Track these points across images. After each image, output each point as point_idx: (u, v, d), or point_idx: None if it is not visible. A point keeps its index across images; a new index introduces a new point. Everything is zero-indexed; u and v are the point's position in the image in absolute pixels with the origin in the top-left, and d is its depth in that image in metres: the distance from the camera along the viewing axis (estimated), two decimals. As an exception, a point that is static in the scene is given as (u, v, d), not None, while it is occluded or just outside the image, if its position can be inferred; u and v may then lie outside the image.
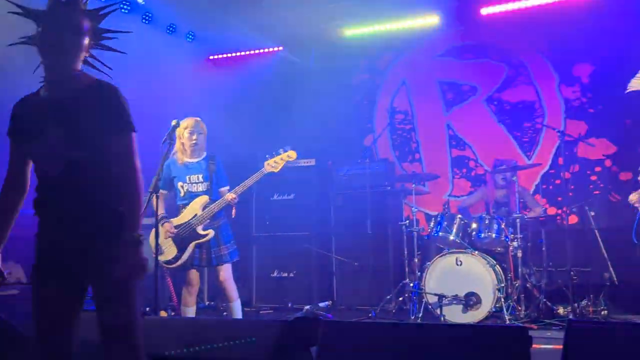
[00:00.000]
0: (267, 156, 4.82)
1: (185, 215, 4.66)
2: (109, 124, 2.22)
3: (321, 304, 6.50)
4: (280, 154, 4.78)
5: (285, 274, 6.78)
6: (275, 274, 6.78)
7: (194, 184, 4.71)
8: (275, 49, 8.07)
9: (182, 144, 4.72)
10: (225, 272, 4.69)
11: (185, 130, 4.69)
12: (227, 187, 4.77)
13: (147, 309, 4.37)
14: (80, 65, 2.31)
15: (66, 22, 2.23)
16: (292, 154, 4.80)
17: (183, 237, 4.61)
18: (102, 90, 2.25)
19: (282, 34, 7.70)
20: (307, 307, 6.34)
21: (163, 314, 5.46)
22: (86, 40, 2.29)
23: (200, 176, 4.71)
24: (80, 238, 2.19)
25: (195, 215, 4.61)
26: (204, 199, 4.65)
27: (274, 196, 6.93)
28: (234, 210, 4.78)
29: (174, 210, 4.79)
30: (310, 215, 6.83)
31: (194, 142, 4.69)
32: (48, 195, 2.25)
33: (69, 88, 2.25)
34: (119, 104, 2.25)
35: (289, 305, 6.58)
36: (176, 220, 4.66)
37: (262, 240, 6.93)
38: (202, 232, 4.62)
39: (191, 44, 7.50)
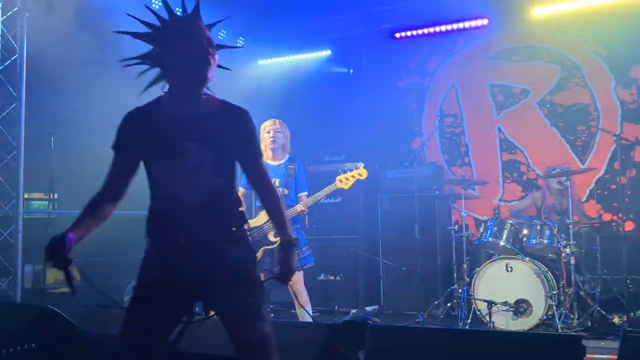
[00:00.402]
0: (339, 171, 4.85)
1: (259, 219, 4.71)
2: (248, 149, 2.26)
3: (368, 308, 6.48)
4: (351, 170, 4.79)
5: (332, 277, 6.78)
6: (322, 277, 6.79)
7: None
8: (324, 52, 8.12)
9: (265, 145, 4.79)
10: (294, 277, 4.66)
11: (263, 131, 4.79)
12: (305, 193, 4.80)
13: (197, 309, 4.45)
14: None
15: (204, 37, 2.18)
16: (363, 172, 4.80)
17: (255, 240, 4.63)
18: (238, 113, 2.24)
19: (331, 37, 7.74)
20: (354, 310, 6.33)
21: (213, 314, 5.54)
22: None
23: (278, 181, 4.74)
24: (210, 261, 2.14)
25: (268, 220, 4.65)
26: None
27: (321, 199, 6.94)
28: (306, 219, 4.83)
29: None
30: (357, 219, 6.82)
31: (271, 140, 4.76)
32: (179, 217, 2.16)
33: (204, 107, 2.20)
34: (254, 129, 2.27)
35: (336, 308, 6.58)
36: (252, 222, 4.69)
37: (309, 243, 6.94)
38: (272, 239, 4.64)
39: (241, 48, 7.61)
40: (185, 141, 2.12)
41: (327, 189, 4.74)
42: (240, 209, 2.29)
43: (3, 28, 5.76)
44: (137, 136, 2.19)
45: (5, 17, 5.66)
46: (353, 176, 4.77)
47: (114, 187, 2.25)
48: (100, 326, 3.44)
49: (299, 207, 4.65)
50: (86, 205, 2.21)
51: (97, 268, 6.67)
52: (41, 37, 5.62)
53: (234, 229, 2.21)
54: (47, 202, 6.07)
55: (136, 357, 2.09)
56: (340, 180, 4.77)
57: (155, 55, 2.18)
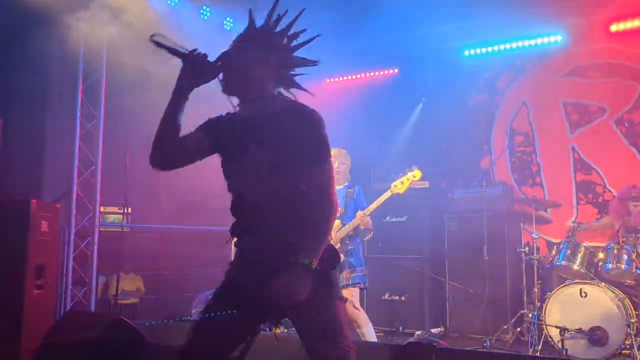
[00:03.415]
0: (393, 177, 4.83)
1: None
2: (311, 153, 2.10)
3: (433, 330, 6.35)
4: (405, 174, 4.76)
5: (397, 297, 6.69)
6: (387, 297, 6.72)
7: None
8: (391, 71, 8.11)
9: None
10: (348, 297, 4.65)
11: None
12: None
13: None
14: (273, 86, 2.26)
15: (229, 54, 2.22)
16: (417, 174, 4.77)
17: None
18: (302, 113, 2.13)
19: (399, 56, 7.72)
20: (419, 332, 6.22)
21: (277, 330, 5.58)
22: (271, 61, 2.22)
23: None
24: (277, 269, 1.98)
25: (337, 231, 4.68)
26: (336, 222, 4.68)
27: (386, 218, 6.90)
28: (368, 236, 4.82)
29: None
30: (423, 239, 6.72)
31: (335, 170, 4.80)
32: (246, 221, 2.14)
33: (268, 109, 2.18)
34: (321, 132, 2.13)
35: (400, 329, 6.48)
36: None
37: (374, 262, 6.88)
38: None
39: (308, 67, 7.71)
40: (247, 143, 2.12)
41: (383, 197, 4.70)
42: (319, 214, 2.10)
43: (85, 49, 6.08)
44: (216, 134, 2.24)
45: (87, 39, 5.98)
46: (408, 179, 4.73)
47: (185, 147, 2.25)
48: (167, 338, 3.52)
49: (358, 214, 4.62)
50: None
51: (163, 281, 6.90)
52: (118, 58, 5.90)
53: (293, 238, 2.03)
54: (121, 216, 6.31)
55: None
56: (396, 185, 4.73)
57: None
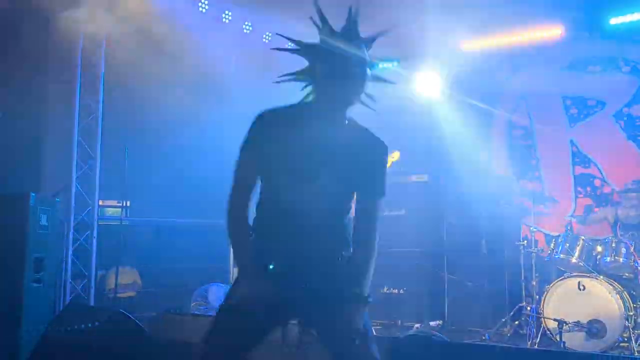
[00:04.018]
0: None
1: None
2: (373, 185, 2.15)
3: (432, 323, 6.37)
4: None
5: (396, 291, 6.71)
6: (385, 290, 6.73)
7: None
8: (389, 64, 8.09)
9: None
10: None
11: None
12: None
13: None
14: None
15: (362, 57, 2.12)
16: (395, 155, 4.79)
17: None
18: (377, 146, 2.17)
19: (398, 49, 7.70)
20: (417, 325, 6.24)
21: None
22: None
23: None
24: (319, 278, 2.07)
25: None
26: None
27: (385, 211, 6.89)
28: None
29: None
30: (422, 232, 6.72)
31: None
32: (298, 233, 2.09)
33: (344, 133, 2.13)
34: (385, 167, 2.18)
35: (399, 322, 6.50)
36: None
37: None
38: None
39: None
40: (320, 166, 2.07)
41: None
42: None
43: (83, 43, 6.07)
44: (272, 145, 2.07)
45: (85, 33, 5.96)
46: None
47: (245, 192, 2.10)
48: (167, 331, 3.53)
49: None
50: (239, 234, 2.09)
51: (162, 275, 6.90)
52: (117, 51, 5.89)
53: (343, 252, 2.15)
54: (120, 209, 6.31)
55: None
56: None
57: (308, 71, 2.13)
